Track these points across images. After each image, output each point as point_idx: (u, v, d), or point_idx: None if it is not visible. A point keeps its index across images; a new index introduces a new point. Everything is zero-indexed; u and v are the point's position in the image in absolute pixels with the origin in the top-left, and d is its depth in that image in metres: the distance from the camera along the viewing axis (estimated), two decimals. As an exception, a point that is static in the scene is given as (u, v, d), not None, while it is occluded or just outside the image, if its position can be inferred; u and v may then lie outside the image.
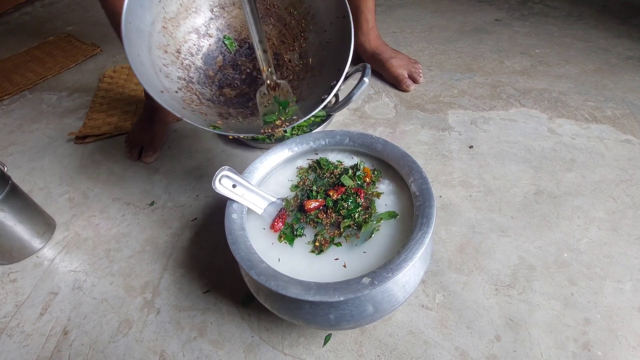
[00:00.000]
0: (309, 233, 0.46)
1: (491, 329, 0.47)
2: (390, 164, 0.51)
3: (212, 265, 0.59)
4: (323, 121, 0.83)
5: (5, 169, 0.65)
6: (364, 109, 0.87)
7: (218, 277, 0.57)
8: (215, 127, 0.49)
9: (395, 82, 0.91)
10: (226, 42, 0.46)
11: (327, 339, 0.48)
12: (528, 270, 0.52)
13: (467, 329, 0.47)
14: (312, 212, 0.48)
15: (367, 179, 0.51)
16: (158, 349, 0.49)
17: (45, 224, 0.68)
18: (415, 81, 0.90)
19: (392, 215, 0.46)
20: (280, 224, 0.47)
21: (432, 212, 0.41)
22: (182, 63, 0.50)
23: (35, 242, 0.67)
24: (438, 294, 0.50)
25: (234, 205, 0.47)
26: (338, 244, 0.44)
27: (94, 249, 0.65)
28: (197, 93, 0.48)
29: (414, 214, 0.43)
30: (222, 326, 0.51)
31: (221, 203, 0.69)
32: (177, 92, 0.48)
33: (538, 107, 0.81)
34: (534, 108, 0.80)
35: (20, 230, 0.64)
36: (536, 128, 0.75)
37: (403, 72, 0.90)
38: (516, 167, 0.67)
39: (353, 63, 1.08)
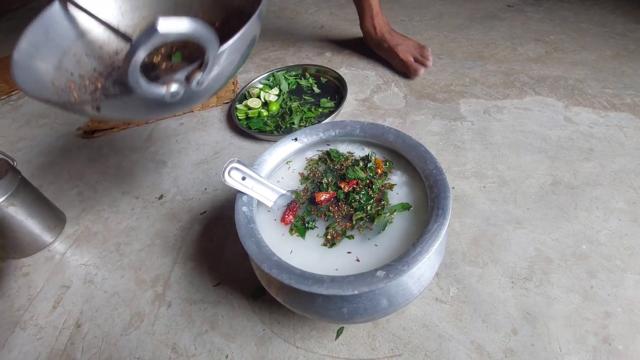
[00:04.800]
0: (320, 226, 0.45)
1: (507, 322, 0.46)
2: (403, 155, 0.49)
3: (222, 259, 0.58)
4: (331, 112, 0.82)
5: (15, 163, 0.65)
6: (372, 99, 0.85)
7: (228, 270, 0.57)
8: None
9: (404, 69, 0.88)
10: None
11: (339, 332, 0.47)
12: (545, 262, 0.51)
13: (483, 322, 0.46)
14: (323, 205, 0.47)
15: (379, 170, 0.50)
16: (170, 342, 0.49)
17: (55, 218, 0.68)
18: (424, 66, 0.85)
19: (405, 207, 0.45)
20: (291, 216, 0.46)
21: (447, 203, 0.40)
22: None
23: (46, 237, 0.67)
24: (452, 287, 0.49)
25: (244, 198, 0.46)
26: (350, 237, 0.43)
27: (104, 242, 0.65)
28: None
29: (428, 205, 0.42)
30: (234, 319, 0.50)
31: (230, 196, 0.69)
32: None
33: (554, 95, 0.78)
34: (549, 96, 0.78)
35: (31, 224, 0.64)
36: (552, 117, 0.73)
37: (410, 58, 0.87)
38: (531, 157, 0.65)
39: (360, 52, 1.09)
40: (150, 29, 0.27)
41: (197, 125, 0.87)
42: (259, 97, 0.90)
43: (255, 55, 1.12)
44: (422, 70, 0.85)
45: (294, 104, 0.85)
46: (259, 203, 0.48)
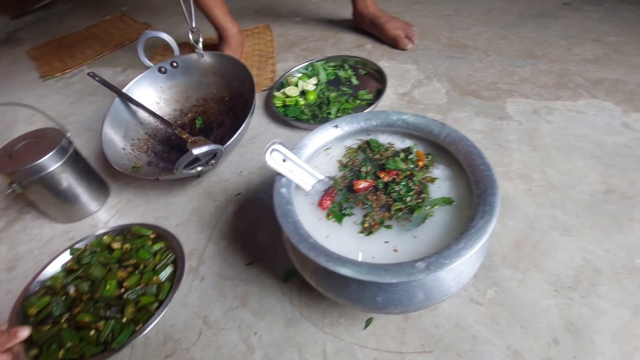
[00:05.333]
0: (357, 213, 0.45)
1: (548, 331, 0.43)
2: (447, 149, 0.48)
3: (254, 240, 0.60)
4: (369, 104, 0.81)
5: (69, 135, 0.69)
6: (412, 93, 0.83)
7: (260, 251, 0.58)
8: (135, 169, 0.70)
9: (393, 43, 0.99)
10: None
11: (368, 322, 0.47)
12: (593, 273, 0.48)
13: (521, 328, 0.44)
14: (362, 193, 0.47)
15: (420, 163, 0.48)
16: (202, 314, 0.51)
17: (101, 189, 0.72)
18: (411, 41, 0.98)
19: (447, 201, 0.43)
20: (329, 201, 0.46)
21: (495, 200, 0.38)
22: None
23: (92, 205, 0.71)
24: (490, 289, 0.48)
25: (283, 180, 0.46)
26: (388, 227, 0.42)
27: (144, 215, 0.68)
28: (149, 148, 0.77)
29: (473, 201, 0.40)
30: (264, 298, 0.51)
31: (264, 180, 0.70)
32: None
33: (611, 99, 0.73)
34: (606, 100, 0.72)
35: (80, 192, 0.68)
36: (608, 122, 0.68)
37: (400, 33, 0.98)
38: (583, 162, 0.61)
39: (353, 31, 1.12)
40: (189, 153, 0.52)
41: (236, 110, 0.89)
42: (296, 85, 0.90)
43: (295, 45, 1.13)
44: (409, 45, 0.98)
45: (332, 94, 0.85)
46: (297, 187, 0.48)
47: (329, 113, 0.81)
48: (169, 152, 0.77)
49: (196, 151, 0.51)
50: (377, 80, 0.89)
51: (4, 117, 1.09)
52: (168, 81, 0.82)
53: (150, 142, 0.75)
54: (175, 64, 0.81)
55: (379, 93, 0.83)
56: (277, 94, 0.89)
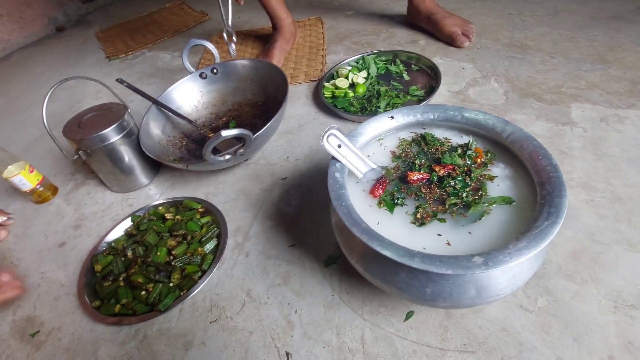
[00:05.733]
0: (409, 204, 0.44)
1: (604, 347, 0.41)
2: (510, 148, 0.46)
3: (297, 224, 0.61)
4: (420, 101, 0.79)
5: (129, 110, 0.74)
6: (467, 92, 0.80)
7: (303, 234, 0.59)
8: (174, 160, 0.71)
9: (449, 40, 0.97)
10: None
11: (409, 315, 0.47)
12: (661, 294, 0.44)
13: (574, 341, 0.41)
14: (415, 185, 0.46)
15: (479, 160, 0.47)
16: (246, 287, 0.53)
17: (152, 164, 0.77)
18: (469, 39, 0.95)
19: (507, 200, 0.42)
20: (381, 190, 0.46)
21: (562, 202, 0.37)
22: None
23: (146, 178, 0.76)
24: (541, 298, 0.45)
25: (337, 165, 0.47)
26: (442, 220, 0.42)
27: (195, 190, 0.72)
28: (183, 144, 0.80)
29: (537, 202, 0.39)
30: (305, 279, 0.53)
31: (310, 167, 0.71)
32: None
33: (694, 111, 0.66)
34: (688, 112, 0.66)
35: (135, 165, 0.73)
36: (689, 135, 0.62)
37: (457, 30, 0.95)
38: (657, 176, 0.56)
39: (406, 27, 1.10)
40: (219, 135, 0.52)
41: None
42: (347, 77, 0.90)
43: (346, 38, 1.13)
44: (467, 43, 0.95)
45: (383, 88, 0.84)
46: (349, 173, 0.48)
47: (378, 107, 0.80)
48: (200, 153, 0.79)
49: (225, 133, 0.51)
50: (430, 77, 0.87)
51: (74, 91, 1.19)
52: (208, 86, 0.86)
53: (184, 140, 0.79)
54: (215, 71, 0.85)
55: (431, 90, 0.81)
56: (327, 84, 0.90)
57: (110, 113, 0.71)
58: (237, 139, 0.71)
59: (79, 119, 0.70)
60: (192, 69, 0.84)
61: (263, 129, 0.62)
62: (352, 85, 0.88)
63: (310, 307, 0.50)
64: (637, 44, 0.85)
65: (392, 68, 0.92)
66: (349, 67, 0.94)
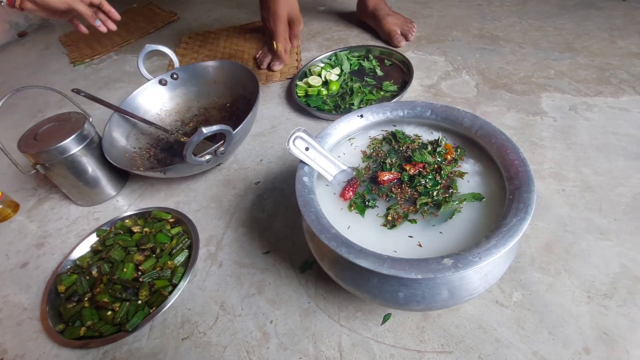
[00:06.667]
0: (380, 205, 0.43)
1: (579, 339, 0.41)
2: (479, 142, 0.45)
3: (271, 229, 0.59)
4: (394, 96, 0.78)
5: (91, 119, 0.70)
6: (439, 86, 0.80)
7: (277, 240, 0.57)
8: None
9: (387, 38, 0.96)
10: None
11: (386, 318, 0.46)
12: (632, 281, 0.44)
13: (549, 334, 0.41)
14: (386, 185, 0.45)
15: (449, 156, 0.46)
16: (219, 299, 0.51)
17: (120, 174, 0.73)
18: (407, 39, 0.95)
19: (477, 197, 0.41)
20: (351, 192, 0.45)
21: (531, 197, 0.36)
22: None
23: (111, 190, 0.72)
24: (516, 292, 0.45)
25: (305, 168, 0.45)
26: (413, 221, 0.41)
27: (165, 200, 0.69)
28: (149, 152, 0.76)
29: (506, 198, 0.38)
30: (280, 288, 0.51)
31: (284, 169, 0.69)
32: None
33: (659, 96, 0.67)
34: (652, 97, 0.67)
35: (100, 176, 0.69)
36: (654, 120, 0.63)
37: (396, 29, 0.95)
38: (625, 163, 0.57)
39: (355, 23, 1.09)
40: (199, 132, 0.50)
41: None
42: (319, 75, 0.89)
43: (318, 34, 1.11)
44: (403, 42, 0.95)
45: (356, 85, 0.83)
46: (319, 176, 0.47)
47: (352, 104, 0.79)
48: (172, 160, 0.76)
49: (206, 129, 0.50)
50: (402, 71, 0.86)
51: (36, 100, 1.13)
52: (169, 92, 0.83)
53: (152, 150, 0.76)
54: (175, 76, 0.82)
55: (404, 85, 0.80)
56: (299, 83, 0.88)
57: (69, 123, 0.67)
58: (211, 140, 0.69)
59: (35, 131, 0.66)
60: (149, 76, 0.80)
61: (242, 124, 0.60)
62: (326, 83, 0.87)
63: (286, 316, 0.48)
64: (604, 30, 0.87)
65: (365, 64, 0.91)
66: (322, 65, 0.93)
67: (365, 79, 0.86)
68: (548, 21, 0.93)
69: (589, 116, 0.65)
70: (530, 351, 0.40)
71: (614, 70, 0.74)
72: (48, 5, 0.66)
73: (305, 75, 0.91)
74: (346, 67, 0.90)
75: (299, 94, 0.85)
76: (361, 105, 0.79)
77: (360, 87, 0.82)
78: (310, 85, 0.86)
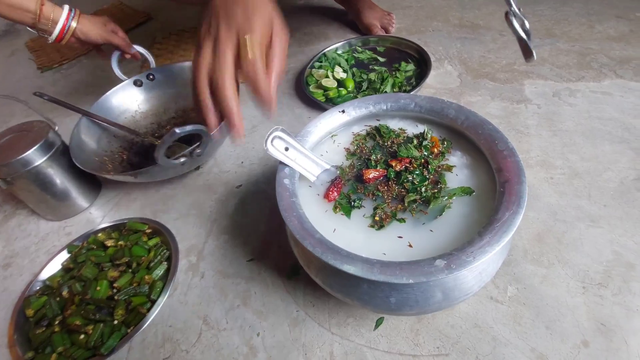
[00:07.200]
0: (367, 205, 0.41)
1: (577, 332, 0.40)
2: (465, 134, 0.44)
3: (256, 234, 0.56)
4: (415, 75, 0.75)
5: (57, 128, 0.65)
6: (422, 77, 0.78)
7: (262, 246, 0.54)
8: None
9: (367, 32, 0.95)
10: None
11: (379, 322, 0.44)
12: (625, 268, 0.44)
13: (547, 329, 0.40)
14: (372, 183, 0.43)
15: (435, 150, 0.44)
16: (202, 313, 0.48)
17: (92, 184, 0.69)
18: (387, 32, 0.94)
19: (466, 191, 0.39)
20: (336, 193, 0.42)
21: (522, 189, 0.34)
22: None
23: (83, 201, 0.67)
24: (510, 287, 0.44)
25: (286, 170, 0.42)
26: (402, 220, 0.39)
27: (141, 209, 0.65)
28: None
29: (496, 190, 0.36)
30: (266, 297, 0.48)
31: (267, 171, 0.66)
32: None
33: (639, 78, 0.67)
34: (633, 80, 0.67)
35: (70, 188, 0.65)
36: (637, 103, 0.63)
37: (375, 23, 0.94)
38: (610, 147, 0.56)
39: (337, 18, 1.04)
40: (172, 132, 0.44)
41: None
42: (327, 77, 0.83)
43: (298, 30, 1.07)
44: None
45: (371, 75, 0.79)
46: (301, 177, 0.44)
47: (385, 91, 0.75)
48: (147, 164, 0.71)
49: (179, 130, 0.45)
50: (401, 52, 0.85)
51: (0, 110, 1.06)
52: (145, 94, 0.79)
53: (124, 154, 0.72)
54: (151, 77, 0.78)
55: (417, 63, 0.80)
56: (314, 90, 0.81)
57: (32, 133, 0.62)
58: (187, 142, 0.64)
59: (-6, 144, 0.61)
60: (124, 77, 0.76)
61: (220, 124, 0.55)
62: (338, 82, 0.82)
63: (274, 327, 0.45)
64: (582, 15, 0.87)
65: (361, 56, 0.87)
66: (321, 71, 0.86)
67: (373, 67, 0.83)
68: (527, 8, 0.92)
69: (572, 102, 0.65)
70: (529, 348, 0.39)
71: (594, 54, 0.74)
72: (89, 40, 0.73)
73: (307, 83, 0.83)
74: (344, 63, 0.87)
75: (319, 99, 0.78)
76: (394, 90, 0.75)
77: (381, 73, 0.78)
78: (326, 89, 0.80)
